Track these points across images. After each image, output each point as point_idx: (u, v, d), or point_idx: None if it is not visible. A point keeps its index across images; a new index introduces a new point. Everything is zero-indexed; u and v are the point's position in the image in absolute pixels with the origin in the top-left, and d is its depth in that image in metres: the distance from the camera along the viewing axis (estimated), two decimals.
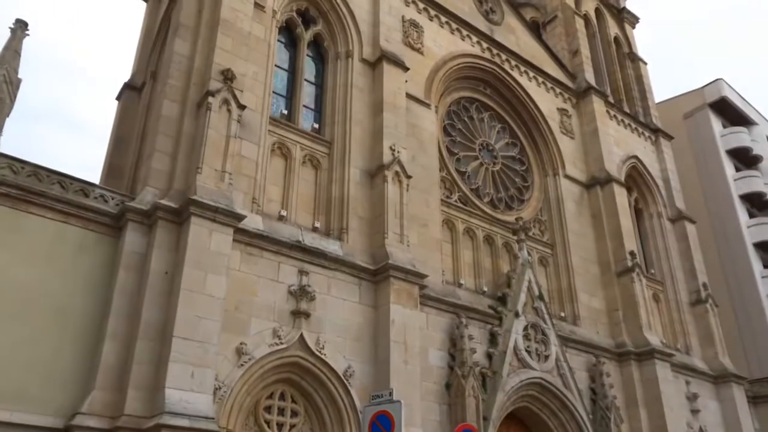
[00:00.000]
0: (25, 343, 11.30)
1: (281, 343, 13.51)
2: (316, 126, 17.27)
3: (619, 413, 18.75)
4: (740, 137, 36.48)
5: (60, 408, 11.16)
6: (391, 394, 8.05)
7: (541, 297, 18.97)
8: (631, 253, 22.14)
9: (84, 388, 11.49)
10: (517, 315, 18.13)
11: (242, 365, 12.83)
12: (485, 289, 18.79)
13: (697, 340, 23.73)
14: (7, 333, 11.16)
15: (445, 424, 15.47)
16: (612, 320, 21.49)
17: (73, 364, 11.64)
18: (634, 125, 27.38)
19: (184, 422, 10.91)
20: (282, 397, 13.65)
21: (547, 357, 18.20)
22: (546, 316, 18.73)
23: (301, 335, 13.83)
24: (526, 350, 17.80)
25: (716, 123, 36.83)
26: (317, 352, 13.90)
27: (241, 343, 12.97)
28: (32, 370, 11.16)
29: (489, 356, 17.29)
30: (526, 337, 18.06)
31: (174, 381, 11.36)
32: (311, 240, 15.03)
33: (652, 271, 24.35)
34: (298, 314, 14.02)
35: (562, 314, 20.44)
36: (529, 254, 19.77)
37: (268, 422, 13.19)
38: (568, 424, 18.01)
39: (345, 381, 13.98)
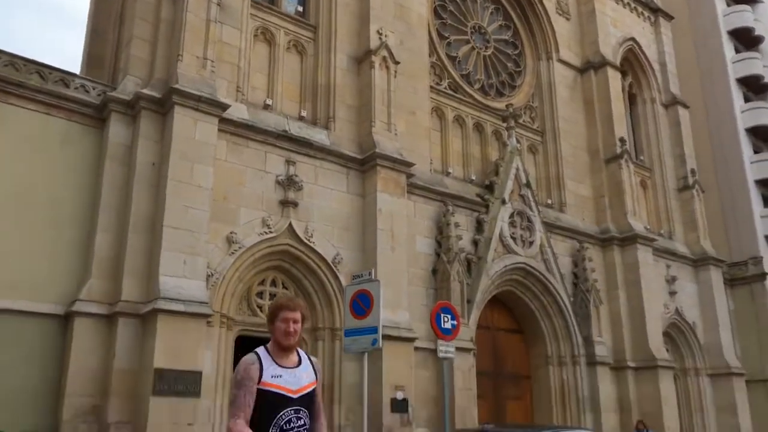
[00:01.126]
0: (21, 236, 11.55)
1: (270, 232, 13.84)
2: (300, 9, 16.61)
3: (598, 295, 19.60)
4: (744, 16, 35.13)
5: (59, 296, 11.61)
6: (370, 273, 8.42)
7: (528, 185, 19.19)
8: (621, 140, 22.12)
9: (81, 277, 11.89)
10: (503, 202, 18.43)
11: (233, 253, 13.21)
12: (473, 177, 18.96)
13: (680, 226, 24.30)
14: (1, 226, 11.34)
15: (431, 307, 16.16)
16: (598, 207, 21.87)
17: (68, 255, 11.96)
18: (633, 4, 26.30)
19: (178, 307, 11.42)
20: (273, 283, 14.19)
21: (531, 243, 18.73)
22: (532, 204, 19.05)
23: (290, 224, 14.12)
24: (512, 237, 18.27)
25: (719, 1, 35.37)
26: (306, 240, 14.27)
27: (231, 232, 13.28)
28: (30, 261, 11.49)
29: (475, 243, 17.78)
30: (512, 224, 18.47)
31: (167, 268, 11.74)
32: (298, 129, 14.94)
33: (642, 157, 24.44)
34: (286, 204, 14.23)
35: (549, 201, 20.76)
36: (518, 142, 19.76)
37: (260, 306, 13.79)
38: (549, 306, 18.87)
39: (333, 267, 14.46)
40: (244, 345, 13.27)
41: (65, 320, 11.55)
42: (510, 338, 18.84)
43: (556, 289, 18.83)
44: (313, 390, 3.41)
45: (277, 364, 3.31)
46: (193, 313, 11.55)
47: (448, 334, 9.30)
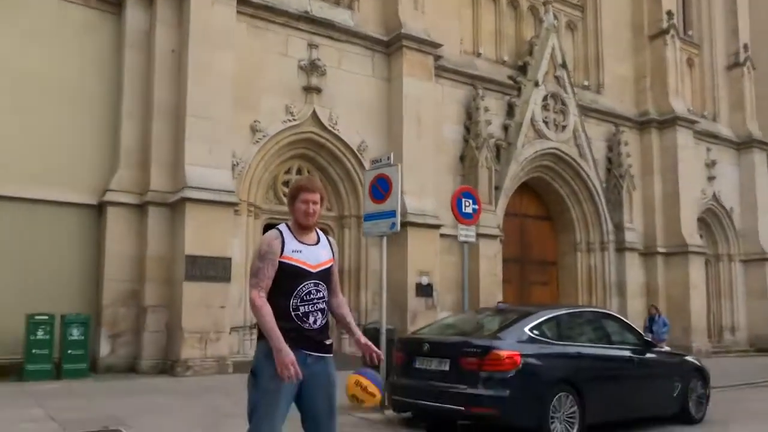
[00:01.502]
0: (52, 128, 11.60)
1: (294, 120, 13.66)
2: None
3: (632, 181, 19.17)
4: None
5: (92, 186, 11.84)
6: (389, 158, 8.30)
7: (564, 65, 18.23)
8: (669, 13, 20.56)
9: (110, 168, 12.06)
10: (536, 84, 17.65)
11: (257, 142, 13.17)
12: (506, 58, 18.06)
13: (726, 106, 23.09)
14: (30, 120, 11.39)
15: None
16: (638, 88, 20.82)
17: (97, 146, 12.04)
18: None
19: (206, 195, 11.60)
20: (299, 171, 14.19)
21: (564, 127, 18.12)
22: (567, 85, 18.21)
23: (314, 111, 13.88)
24: (544, 121, 17.67)
25: None
26: (330, 128, 14.07)
27: (254, 121, 13.15)
28: (61, 154, 11.62)
29: (505, 128, 17.30)
30: (545, 107, 17.79)
31: (193, 158, 11.80)
32: (319, 9, 14.26)
33: (690, 32, 22.77)
34: (309, 90, 13.91)
35: (586, 83, 19.81)
36: (555, 18, 18.58)
37: (286, 195, 13.87)
38: (580, 192, 18.58)
39: (359, 155, 14.34)
40: None
41: (99, 210, 11.89)
42: (538, 225, 18.80)
43: (588, 175, 18.44)
44: (330, 267, 3.51)
45: (297, 240, 3.43)
46: (219, 201, 11.73)
47: (469, 218, 9.24)
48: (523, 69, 17.86)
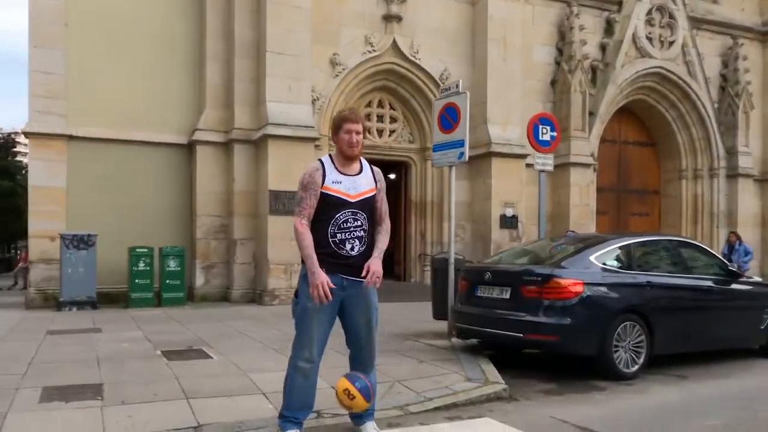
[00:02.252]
0: (141, 71, 12.21)
1: (374, 51, 13.44)
2: None
3: (750, 100, 17.31)
4: None
5: (181, 127, 12.43)
6: (457, 86, 7.97)
7: None
8: None
9: (197, 108, 12.55)
10: None
11: (337, 76, 13.13)
12: None
13: None
14: (121, 64, 12.03)
15: None
16: None
17: (183, 87, 12.55)
18: None
19: (286, 131, 11.80)
20: (380, 104, 14.09)
21: (671, 43, 16.55)
22: None
23: (394, 41, 13.58)
24: (647, 37, 16.22)
25: None
26: (411, 57, 13.73)
27: (333, 54, 13.08)
28: (150, 95, 12.24)
29: (602, 48, 16.08)
30: (649, 22, 16.29)
31: (273, 95, 11.97)
32: None
33: None
34: (389, 18, 13.57)
35: None
36: None
37: (368, 129, 13.88)
38: (688, 115, 17.09)
39: (441, 84, 13.86)
40: None
41: (189, 148, 12.48)
42: (639, 151, 17.57)
43: (698, 95, 16.87)
44: (372, 196, 3.59)
45: (338, 171, 3.52)
46: (299, 137, 11.90)
47: (546, 146, 8.76)
48: None
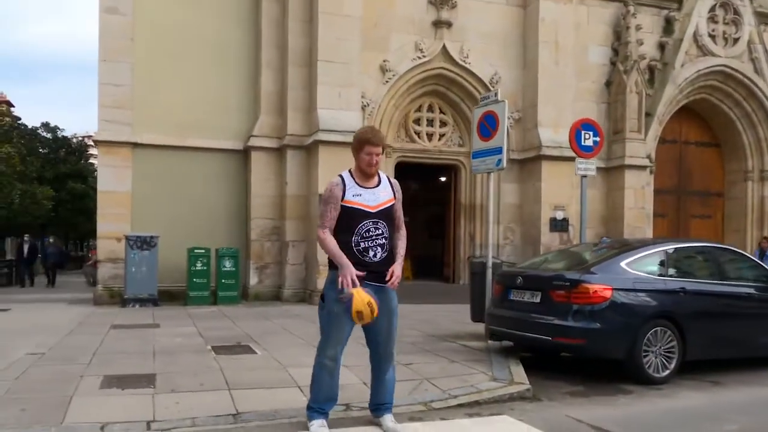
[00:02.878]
0: (201, 80, 12.88)
1: (423, 56, 13.65)
2: None
3: None
4: None
5: (237, 133, 13.05)
6: (496, 94, 8.11)
7: None
8: None
9: (252, 115, 13.11)
10: None
11: (387, 82, 13.41)
12: None
13: None
14: (181, 75, 12.74)
15: (602, 123, 14.98)
16: None
17: (239, 95, 13.15)
18: None
19: (336, 137, 12.15)
20: (430, 108, 14.27)
21: (736, 40, 15.96)
22: None
23: (444, 46, 13.74)
24: (710, 35, 15.71)
25: None
26: (461, 62, 13.86)
27: (383, 61, 13.38)
28: (208, 103, 12.89)
29: (661, 47, 15.70)
30: (712, 19, 15.78)
31: (324, 102, 12.37)
32: None
33: None
34: (439, 24, 13.75)
35: None
36: None
37: (418, 133, 14.12)
38: (754, 113, 16.42)
39: (491, 87, 13.90)
40: (404, 170, 13.96)
41: (244, 154, 13.06)
42: (702, 152, 17.00)
43: (765, 93, 16.19)
44: (392, 205, 3.85)
45: (358, 184, 3.80)
46: (349, 142, 12.08)
47: (589, 151, 8.73)
48: None
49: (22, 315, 10.36)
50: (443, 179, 15.61)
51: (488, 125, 8.08)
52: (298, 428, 4.11)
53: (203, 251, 11.73)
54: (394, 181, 3.99)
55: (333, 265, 3.80)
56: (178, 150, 12.62)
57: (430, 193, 17.14)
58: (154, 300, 11.41)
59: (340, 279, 3.63)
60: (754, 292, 6.36)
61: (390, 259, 3.81)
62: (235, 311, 10.72)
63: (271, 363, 6.10)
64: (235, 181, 13.01)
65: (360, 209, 3.73)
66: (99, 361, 6.08)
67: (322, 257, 11.86)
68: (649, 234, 14.85)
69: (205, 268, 11.67)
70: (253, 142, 12.79)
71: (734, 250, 7.07)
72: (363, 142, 3.82)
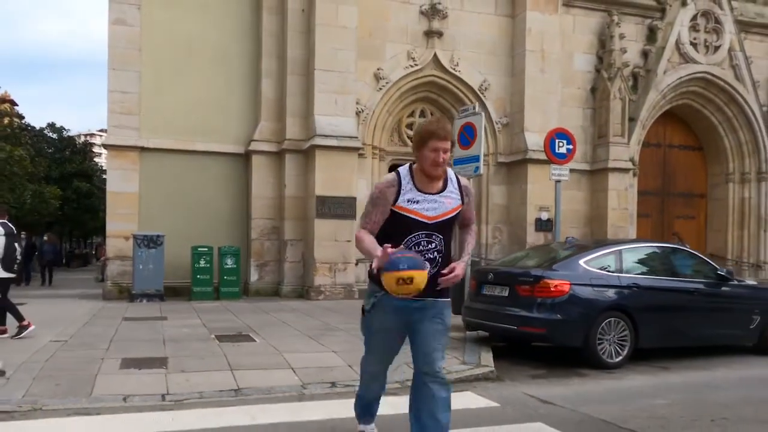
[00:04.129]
0: (206, 87, 13.60)
1: (416, 64, 14.38)
2: None
3: None
4: None
5: (238, 138, 13.77)
6: (475, 107, 8.86)
7: None
8: None
9: (253, 121, 13.84)
10: (684, 3, 16.35)
11: (381, 89, 14.15)
12: None
13: None
14: (186, 82, 13.46)
15: (587, 128, 15.86)
16: None
17: (241, 102, 13.87)
18: None
19: (332, 142, 12.91)
20: (422, 114, 14.98)
21: (717, 48, 16.66)
22: (723, 0, 16.58)
23: (435, 54, 14.46)
24: (692, 43, 16.41)
25: None
26: (452, 69, 14.58)
27: (378, 69, 14.10)
28: (211, 109, 13.62)
29: (644, 54, 16.40)
30: (693, 27, 16.48)
31: (321, 108, 13.11)
32: None
33: None
34: (430, 34, 14.47)
35: None
36: None
37: (410, 137, 14.78)
38: (735, 118, 17.13)
39: (480, 95, 14.71)
40: None
41: (245, 158, 13.80)
42: (685, 155, 17.72)
43: (745, 99, 16.90)
44: (454, 216, 3.22)
45: (417, 189, 3.14)
46: (344, 147, 12.99)
47: (562, 158, 9.47)
48: None
49: (38, 308, 11.11)
50: None
51: (467, 135, 8.82)
52: (289, 400, 4.85)
53: (206, 249, 12.47)
54: (465, 182, 3.32)
55: (372, 276, 3.19)
56: (183, 154, 13.35)
57: None
58: (161, 295, 12.15)
59: (374, 262, 2.99)
60: (702, 287, 7.08)
61: (438, 276, 3.13)
62: (237, 306, 11.46)
63: (268, 349, 6.84)
64: (236, 183, 13.75)
65: (413, 218, 3.12)
66: (116, 347, 6.83)
67: (319, 255, 12.67)
68: (632, 233, 15.58)
69: (208, 265, 12.41)
70: (254, 146, 13.53)
71: (686, 250, 7.79)
72: (427, 136, 3.09)
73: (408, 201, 3.12)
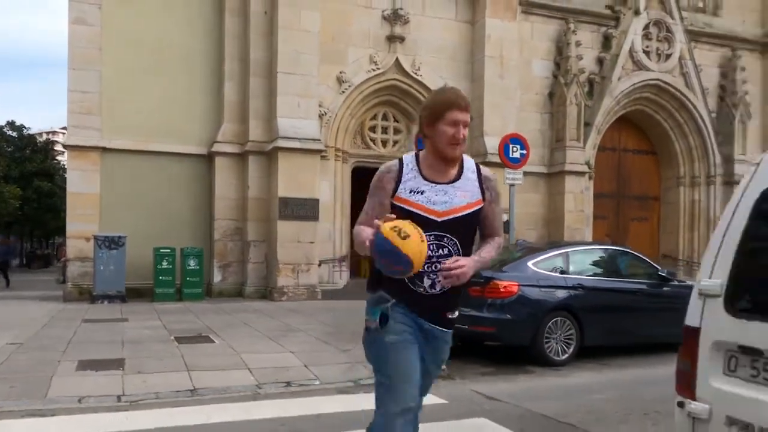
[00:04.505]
0: (163, 89, 13.56)
1: (378, 68, 14.60)
2: None
3: (747, 110, 17.91)
4: None
5: (201, 139, 13.79)
6: None
7: None
8: None
9: (216, 122, 13.87)
10: (637, 13, 16.91)
11: (343, 92, 14.33)
12: None
13: None
14: (148, 83, 13.41)
15: (545, 132, 16.30)
16: (765, 4, 19.02)
17: (204, 103, 13.89)
18: None
19: (295, 144, 13.05)
20: (384, 117, 15.23)
21: (668, 56, 17.28)
22: (674, 10, 17.22)
23: (397, 59, 14.71)
24: (644, 51, 16.99)
25: None
26: (413, 74, 14.84)
27: (340, 72, 14.28)
28: (174, 110, 13.60)
29: (600, 61, 16.93)
30: (646, 36, 17.05)
31: (283, 111, 13.22)
32: None
33: None
34: (392, 39, 14.71)
35: (701, 4, 18.51)
36: None
37: (373, 140, 15.08)
38: (686, 124, 17.79)
39: None
40: (361, 175, 14.87)
41: (208, 159, 13.82)
42: (639, 159, 18.32)
43: (695, 105, 17.56)
44: (472, 213, 2.50)
45: (423, 177, 2.48)
46: (307, 149, 13.13)
47: (516, 162, 9.80)
48: None
49: None
50: None
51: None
52: (244, 400, 5.01)
53: (169, 251, 12.47)
54: (486, 174, 2.61)
55: (372, 286, 2.55)
56: (145, 154, 13.32)
57: None
58: (122, 297, 12.11)
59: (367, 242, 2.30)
60: (645, 288, 7.46)
61: (454, 294, 2.53)
62: (199, 307, 11.51)
63: (227, 350, 6.97)
64: (199, 185, 13.77)
65: (418, 214, 2.42)
66: (73, 349, 6.87)
67: (282, 256, 12.79)
68: (588, 235, 16.08)
69: (170, 266, 12.42)
70: (217, 147, 13.56)
71: (631, 252, 8.18)
72: (444, 107, 2.44)
73: (411, 191, 2.45)
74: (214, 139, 13.68)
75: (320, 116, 13.90)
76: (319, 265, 13.39)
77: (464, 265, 2.39)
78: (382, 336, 2.48)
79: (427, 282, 2.45)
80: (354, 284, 14.50)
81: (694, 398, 2.89)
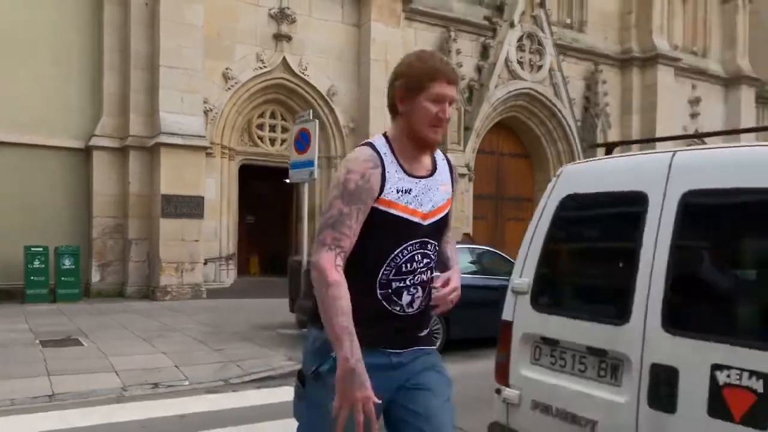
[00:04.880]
0: (40, 79, 12.80)
1: (265, 67, 14.64)
2: None
3: (608, 120, 19.67)
4: None
5: (78, 133, 13.19)
6: (310, 113, 9.45)
7: (542, 4, 18.50)
8: None
9: (94, 116, 13.31)
10: (512, 25, 18.07)
11: (230, 89, 14.25)
12: None
13: (719, 42, 22.97)
14: (21, 71, 12.62)
15: None
16: (623, 25, 20.92)
17: (82, 95, 13.28)
18: None
19: (178, 140, 12.83)
20: (272, 115, 15.30)
21: (540, 67, 18.60)
22: (545, 25, 18.55)
23: (284, 58, 14.82)
24: (518, 61, 18.19)
25: None
26: (300, 73, 15.02)
27: (226, 69, 14.18)
28: (50, 103, 12.89)
29: (479, 69, 17.92)
30: (520, 47, 18.25)
31: (166, 105, 12.95)
32: None
33: None
34: (279, 37, 14.80)
35: (568, 21, 20.07)
36: None
37: (261, 138, 15.10)
38: (555, 131, 19.25)
39: (328, 99, 15.31)
40: (248, 173, 14.91)
41: (86, 153, 13.26)
42: (515, 162, 19.61)
43: (563, 114, 19.04)
44: (450, 208, 2.13)
45: (404, 171, 1.96)
46: (191, 145, 12.96)
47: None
48: (500, 9, 18.24)
49: None
50: (287, 181, 16.67)
51: (303, 141, 9.32)
52: (108, 403, 5.06)
53: (41, 249, 11.87)
54: (451, 161, 2.20)
55: (318, 320, 1.88)
56: (15, 147, 12.52)
57: (279, 192, 18.12)
58: None
59: (337, 398, 1.74)
60: (505, 283, 8.13)
61: (427, 309, 2.08)
62: (74, 308, 11.09)
63: (95, 353, 6.90)
64: (76, 179, 13.15)
65: (407, 219, 1.94)
66: None
67: (165, 255, 12.57)
68: (468, 233, 17.00)
69: (43, 266, 11.82)
70: (95, 141, 13.05)
71: (495, 252, 8.90)
72: (429, 77, 1.92)
73: (398, 191, 1.92)
74: (92, 132, 13.15)
75: (206, 112, 13.75)
76: (205, 263, 13.28)
77: (457, 287, 2.05)
78: (321, 394, 1.85)
79: (406, 299, 1.96)
80: (242, 282, 14.52)
81: (508, 385, 3.39)
